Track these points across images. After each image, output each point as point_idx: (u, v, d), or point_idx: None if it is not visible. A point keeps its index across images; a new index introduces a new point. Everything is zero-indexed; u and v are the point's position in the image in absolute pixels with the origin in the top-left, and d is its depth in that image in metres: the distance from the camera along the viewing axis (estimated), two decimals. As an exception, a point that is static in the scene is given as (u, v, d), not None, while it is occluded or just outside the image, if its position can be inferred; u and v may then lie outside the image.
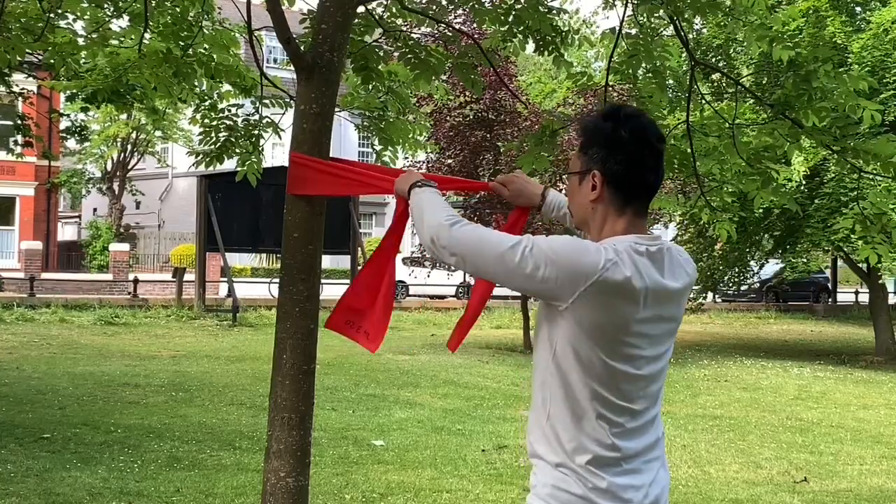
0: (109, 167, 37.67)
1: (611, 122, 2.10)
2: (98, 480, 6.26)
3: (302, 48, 3.55)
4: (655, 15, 4.78)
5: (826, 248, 19.21)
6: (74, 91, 6.23)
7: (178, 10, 5.28)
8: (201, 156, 4.89)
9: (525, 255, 1.96)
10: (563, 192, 2.49)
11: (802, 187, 16.23)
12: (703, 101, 5.41)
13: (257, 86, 5.53)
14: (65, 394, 9.90)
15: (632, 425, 2.06)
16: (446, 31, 5.73)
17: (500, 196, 2.83)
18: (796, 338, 23.15)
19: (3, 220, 31.71)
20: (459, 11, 13.04)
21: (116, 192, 37.52)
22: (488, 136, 16.88)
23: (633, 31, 4.72)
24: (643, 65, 4.60)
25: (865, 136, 7.05)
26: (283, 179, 3.40)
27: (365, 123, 5.28)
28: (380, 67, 4.75)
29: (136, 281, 22.43)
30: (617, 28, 4.68)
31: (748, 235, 18.05)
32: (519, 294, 18.88)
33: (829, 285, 36.48)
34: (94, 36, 5.69)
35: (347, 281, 23.57)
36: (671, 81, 5.43)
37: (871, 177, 5.08)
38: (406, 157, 18.55)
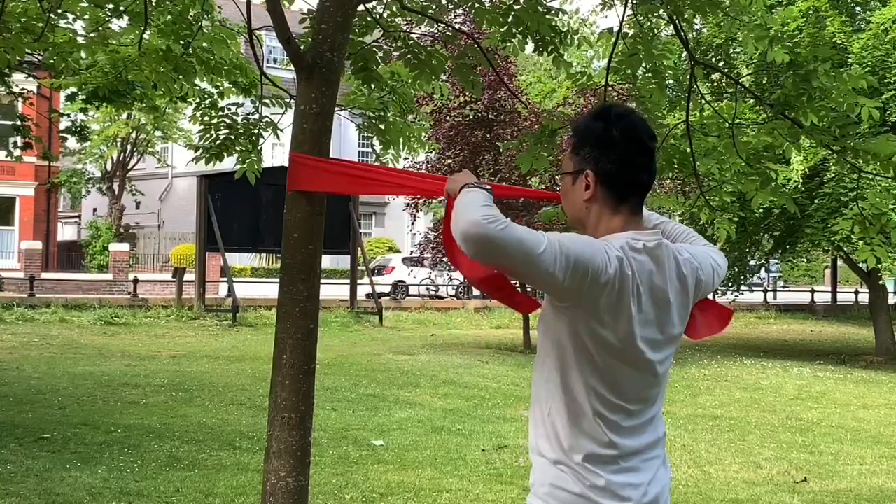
0: (109, 167, 37.67)
1: (602, 121, 2.10)
2: (98, 480, 6.26)
3: (302, 48, 3.55)
4: (655, 15, 4.78)
5: (826, 248, 19.21)
6: (74, 89, 6.23)
7: (178, 9, 5.28)
8: (201, 151, 4.89)
9: (552, 258, 1.93)
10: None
11: (802, 187, 16.23)
12: (703, 101, 5.41)
13: (257, 84, 5.53)
14: (65, 394, 9.90)
15: (628, 424, 2.06)
16: (446, 30, 5.73)
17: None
18: (796, 338, 23.14)
19: (3, 220, 31.71)
20: (459, 11, 13.05)
21: (116, 192, 37.52)
22: (488, 135, 16.88)
23: (633, 31, 4.72)
24: (643, 65, 4.60)
25: (865, 135, 7.06)
26: (283, 179, 3.41)
27: (365, 124, 5.29)
28: (380, 68, 4.75)
29: (135, 281, 22.42)
30: (616, 28, 4.68)
31: (748, 235, 18.06)
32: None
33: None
34: (93, 35, 5.69)
35: (347, 281, 23.59)
36: (671, 81, 5.43)
37: (870, 177, 5.08)
38: (406, 158, 18.56)
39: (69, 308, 19.11)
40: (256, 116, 4.97)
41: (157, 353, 14.31)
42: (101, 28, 5.66)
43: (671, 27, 4.83)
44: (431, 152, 17.73)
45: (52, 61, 6.10)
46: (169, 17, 5.29)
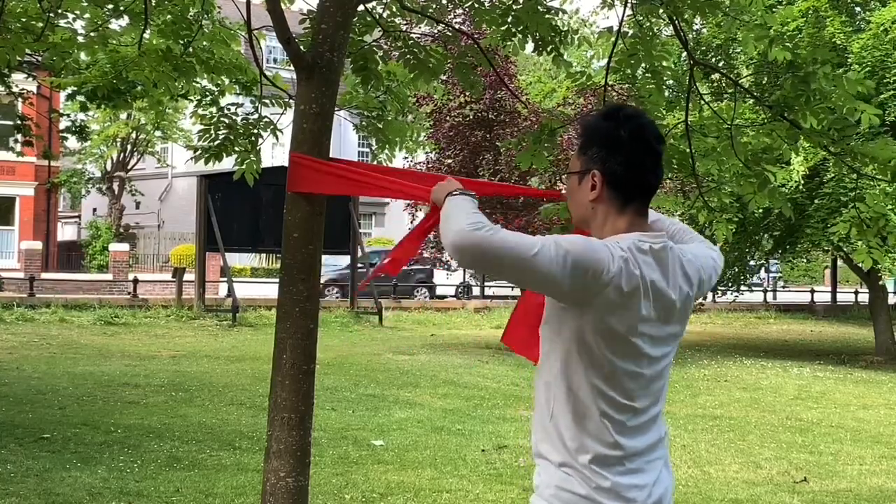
0: (109, 167, 37.67)
1: (611, 122, 2.11)
2: (98, 480, 6.26)
3: (302, 48, 3.55)
4: (655, 16, 4.78)
5: (826, 248, 19.21)
6: (74, 88, 6.23)
7: (177, 8, 5.28)
8: (200, 151, 4.89)
9: (547, 260, 1.94)
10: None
11: (802, 187, 16.22)
12: (703, 102, 5.41)
13: (257, 83, 5.53)
14: (65, 394, 9.90)
15: (633, 423, 2.06)
16: (446, 30, 5.73)
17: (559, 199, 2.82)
18: (796, 338, 23.14)
19: (3, 220, 31.70)
20: (459, 11, 13.05)
21: (116, 192, 37.51)
22: (488, 136, 16.89)
23: (632, 32, 4.72)
24: (642, 65, 4.60)
25: (865, 136, 7.05)
26: (283, 179, 3.41)
27: (363, 123, 5.29)
28: (379, 68, 4.75)
29: (135, 281, 22.41)
30: (616, 27, 4.68)
31: (748, 235, 18.05)
32: (518, 293, 18.87)
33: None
34: (93, 35, 5.69)
35: (347, 282, 23.60)
36: (670, 81, 5.43)
37: (869, 179, 5.07)
38: (406, 158, 18.57)
39: (69, 308, 19.11)
40: (256, 116, 4.97)
41: (157, 353, 14.31)
42: (100, 28, 5.66)
43: (671, 27, 4.83)
44: (431, 153, 17.74)
45: (52, 61, 6.10)
46: (169, 16, 5.29)
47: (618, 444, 2.03)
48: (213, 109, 5.10)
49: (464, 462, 7.47)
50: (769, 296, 34.10)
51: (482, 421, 9.54)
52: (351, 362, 13.81)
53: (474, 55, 4.99)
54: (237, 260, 32.50)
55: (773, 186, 4.59)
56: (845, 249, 17.50)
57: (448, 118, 17.25)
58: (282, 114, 5.01)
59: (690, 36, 7.37)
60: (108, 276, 25.19)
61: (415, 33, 5.33)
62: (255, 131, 4.90)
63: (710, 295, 21.32)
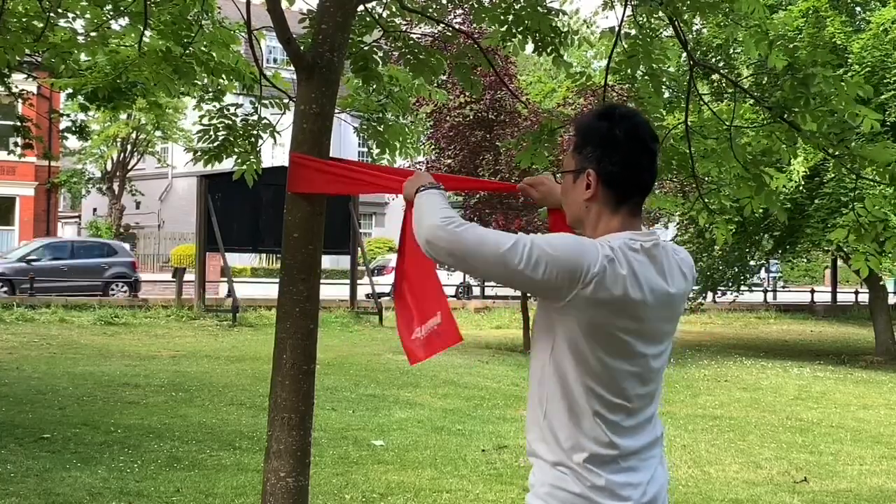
0: (109, 167, 37.68)
1: (606, 121, 2.11)
2: (98, 480, 6.26)
3: (302, 48, 3.55)
4: (655, 17, 4.78)
5: (826, 248, 19.21)
6: (75, 88, 6.23)
7: (177, 8, 5.28)
8: (199, 153, 4.89)
9: (523, 254, 1.97)
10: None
11: (801, 188, 16.22)
12: (702, 103, 5.41)
13: (257, 84, 5.53)
14: (65, 394, 9.90)
15: (628, 423, 2.06)
16: (446, 31, 5.74)
17: (528, 197, 2.81)
18: (796, 338, 23.14)
19: (3, 220, 31.71)
20: (459, 11, 13.05)
21: (116, 192, 37.53)
22: (488, 136, 16.88)
23: (633, 32, 4.72)
24: (641, 67, 4.60)
25: (865, 137, 7.04)
26: (283, 179, 3.41)
27: (364, 126, 5.29)
28: (379, 70, 4.75)
29: (136, 281, 22.41)
30: (616, 27, 4.68)
31: (748, 235, 18.05)
32: (519, 294, 18.89)
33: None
34: (93, 35, 5.69)
35: (347, 281, 23.57)
36: (671, 81, 5.43)
37: (869, 181, 5.07)
38: (406, 158, 18.54)
39: (69, 308, 19.11)
40: (255, 117, 4.97)
41: (157, 353, 14.31)
42: (100, 28, 5.66)
43: (671, 28, 4.83)
44: (430, 155, 17.74)
45: (51, 62, 6.10)
46: (168, 17, 5.29)
47: (612, 444, 2.03)
48: (215, 105, 5.10)
49: (464, 462, 7.48)
50: (769, 296, 34.11)
51: (482, 421, 9.54)
52: (351, 362, 13.81)
53: (474, 55, 4.99)
54: (237, 260, 32.49)
55: (769, 190, 4.58)
56: (845, 250, 17.52)
57: (448, 118, 17.24)
58: (282, 114, 5.01)
59: (690, 36, 7.36)
60: (109, 276, 25.18)
61: (415, 33, 5.33)
62: (255, 132, 4.90)
63: (710, 295, 21.30)
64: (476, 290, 29.37)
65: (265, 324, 18.68)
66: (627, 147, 2.08)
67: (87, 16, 5.74)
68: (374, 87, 4.85)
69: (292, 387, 3.33)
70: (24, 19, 5.64)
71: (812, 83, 4.31)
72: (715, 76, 12.86)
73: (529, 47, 4.86)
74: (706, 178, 4.97)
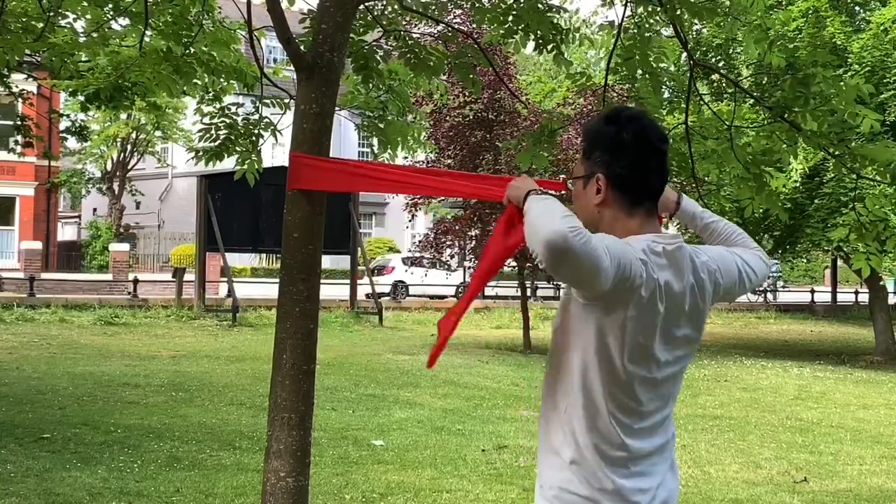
0: (109, 167, 37.66)
1: (613, 125, 2.10)
2: (98, 480, 6.26)
3: (302, 48, 3.55)
4: (654, 17, 4.77)
5: (826, 248, 19.21)
6: (76, 89, 6.23)
7: (177, 8, 5.28)
8: (200, 152, 4.89)
9: (610, 267, 1.92)
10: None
11: (801, 188, 16.22)
12: (702, 103, 5.40)
13: (258, 83, 5.53)
14: (65, 394, 9.90)
15: (640, 426, 2.06)
16: (446, 30, 5.73)
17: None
18: (796, 338, 23.14)
19: (3, 220, 31.71)
20: (458, 11, 13.04)
21: (116, 192, 37.51)
22: (488, 136, 16.88)
23: (631, 32, 4.71)
24: (639, 69, 4.60)
25: (865, 136, 7.04)
26: (283, 179, 3.41)
27: (365, 123, 5.29)
28: (380, 67, 4.75)
29: (135, 281, 22.42)
30: (617, 24, 4.67)
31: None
32: (519, 294, 18.89)
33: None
34: (94, 35, 5.69)
35: (347, 281, 23.57)
36: (670, 81, 5.43)
37: (869, 181, 5.06)
38: (405, 158, 18.55)
39: (69, 308, 19.11)
40: (256, 117, 4.97)
41: (157, 353, 14.31)
42: (101, 28, 5.66)
43: (671, 27, 4.83)
44: (431, 153, 17.74)
45: (51, 62, 6.10)
46: (169, 17, 5.29)
47: (624, 446, 2.03)
48: (216, 105, 5.10)
49: (464, 462, 7.47)
50: (769, 296, 34.10)
51: (482, 421, 9.54)
52: (351, 362, 13.81)
53: (473, 54, 4.99)
54: (237, 260, 32.48)
55: (770, 190, 4.57)
56: (845, 249, 17.52)
57: (448, 118, 17.25)
58: (282, 114, 5.01)
59: (690, 36, 7.36)
60: (108, 277, 25.19)
61: (415, 32, 5.33)
62: (256, 131, 4.90)
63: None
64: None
65: (265, 324, 18.68)
66: (635, 150, 2.07)
67: (88, 16, 5.74)
68: (374, 83, 4.85)
69: (292, 387, 3.33)
70: (23, 19, 5.64)
71: (812, 83, 4.31)
72: (715, 76, 12.87)
73: (530, 46, 4.86)
74: (705, 179, 4.97)
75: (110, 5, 5.51)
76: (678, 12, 4.41)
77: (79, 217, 44.16)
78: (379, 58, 4.69)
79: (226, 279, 21.77)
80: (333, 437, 8.13)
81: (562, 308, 2.11)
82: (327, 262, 29.91)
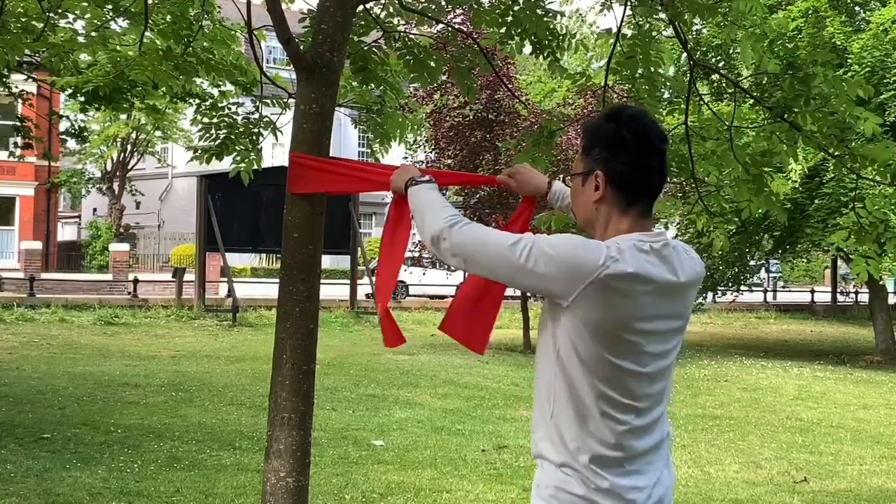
0: (109, 167, 37.67)
1: (613, 123, 2.11)
2: (98, 480, 6.26)
3: (302, 48, 3.55)
4: (655, 17, 4.77)
5: (826, 248, 19.21)
6: (75, 86, 6.23)
7: (177, 8, 5.28)
8: (200, 151, 4.89)
9: (526, 253, 1.98)
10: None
11: (801, 188, 16.22)
12: (702, 103, 5.40)
13: (257, 84, 5.53)
14: (65, 394, 9.90)
15: (637, 423, 2.05)
16: (445, 31, 5.74)
17: (507, 189, 2.82)
18: (796, 338, 23.14)
19: (3, 220, 31.72)
20: (458, 11, 13.05)
21: (116, 192, 37.52)
22: (488, 136, 16.89)
23: (631, 33, 4.71)
24: (639, 70, 4.59)
25: (864, 136, 7.04)
26: (283, 179, 3.41)
27: (362, 118, 5.29)
28: (378, 71, 4.75)
29: (135, 281, 22.43)
30: (615, 28, 4.67)
31: (748, 235, 18.05)
32: (519, 294, 18.87)
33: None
34: (94, 35, 5.70)
35: (347, 281, 23.59)
36: (668, 82, 5.42)
37: (869, 181, 5.05)
38: (405, 157, 18.58)
39: (69, 308, 19.12)
40: (256, 116, 4.96)
41: (157, 353, 14.32)
42: (101, 28, 5.66)
43: (671, 28, 4.83)
44: (431, 152, 17.75)
45: (51, 62, 6.11)
46: (169, 17, 5.29)
47: (619, 445, 2.02)
48: (213, 112, 5.10)
49: (464, 462, 7.48)
50: (769, 296, 34.12)
51: (482, 421, 9.55)
52: (351, 362, 13.81)
53: (473, 56, 4.98)
54: (237, 260, 32.49)
55: (769, 192, 4.57)
56: (845, 250, 17.52)
57: (448, 118, 17.26)
58: (281, 113, 5.01)
59: (690, 36, 7.36)
60: (108, 277, 25.19)
61: (414, 33, 5.33)
62: (256, 131, 4.90)
63: (709, 295, 21.30)
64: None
65: (265, 324, 18.69)
66: (635, 148, 2.08)
67: (87, 16, 5.74)
68: (371, 80, 4.84)
69: (292, 387, 3.33)
70: (23, 19, 5.64)
71: (812, 82, 4.31)
72: (715, 76, 12.87)
73: (528, 49, 4.86)
74: (705, 180, 4.97)
75: (110, 6, 5.51)
76: (679, 10, 4.41)
77: (79, 217, 44.17)
78: (378, 59, 4.68)
79: (226, 279, 21.77)
80: (333, 437, 8.14)
81: (543, 311, 2.12)
82: (327, 262, 29.93)
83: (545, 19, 4.52)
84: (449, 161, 17.18)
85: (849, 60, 16.08)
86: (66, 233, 42.92)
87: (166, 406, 9.47)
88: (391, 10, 4.93)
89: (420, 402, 10.56)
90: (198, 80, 5.63)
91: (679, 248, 2.13)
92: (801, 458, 8.33)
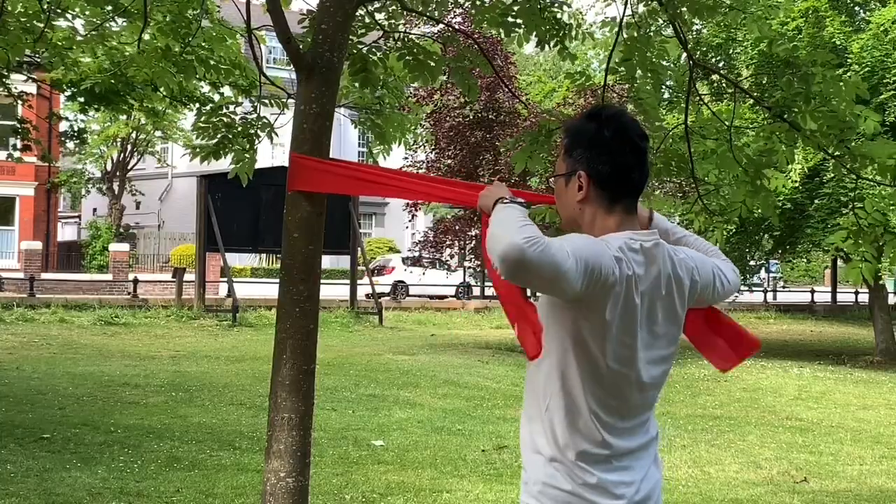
0: (109, 167, 37.67)
1: (594, 123, 2.12)
2: (98, 480, 6.26)
3: (302, 48, 3.55)
4: (655, 17, 4.77)
5: (826, 248, 19.19)
6: (73, 81, 6.22)
7: (176, 6, 5.28)
8: (198, 150, 4.89)
9: (575, 271, 1.92)
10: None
11: (801, 187, 16.22)
12: (702, 103, 5.40)
13: (257, 86, 5.53)
14: (65, 394, 9.90)
15: (623, 425, 2.07)
16: (445, 31, 5.73)
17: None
18: (796, 338, 23.14)
19: (3, 220, 31.70)
20: (458, 11, 13.05)
21: (116, 192, 37.51)
22: (488, 136, 16.90)
23: (630, 33, 4.71)
24: (638, 70, 4.59)
25: (864, 136, 7.04)
26: (283, 180, 3.41)
27: (362, 118, 5.29)
28: (377, 70, 4.75)
29: (135, 281, 22.43)
30: (617, 25, 4.67)
31: (748, 235, 18.05)
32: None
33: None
34: (93, 34, 5.70)
35: (347, 281, 23.57)
36: (669, 82, 5.43)
37: (869, 181, 5.05)
38: (405, 158, 18.58)
39: (69, 308, 19.11)
40: (254, 116, 4.96)
41: (157, 353, 14.31)
42: (100, 27, 5.66)
43: (671, 27, 4.83)
44: (431, 152, 17.76)
45: (50, 62, 6.11)
46: (168, 16, 5.29)
47: (606, 443, 2.04)
48: (213, 115, 5.10)
49: (464, 462, 7.48)
50: (769, 296, 34.11)
51: (482, 421, 9.54)
52: (351, 362, 13.81)
53: (472, 57, 4.99)
54: (237, 260, 32.50)
55: (765, 193, 4.56)
56: (845, 249, 17.51)
57: (448, 118, 17.26)
58: (279, 114, 5.01)
59: (690, 36, 7.36)
60: (108, 277, 25.19)
61: (414, 33, 5.33)
62: (253, 131, 4.89)
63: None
64: (476, 290, 29.35)
65: (265, 324, 18.68)
66: (616, 147, 2.09)
67: (87, 14, 5.74)
68: (369, 80, 4.84)
69: (292, 387, 3.33)
70: (23, 19, 5.64)
71: (812, 81, 4.31)
72: (715, 76, 12.87)
73: (530, 46, 4.86)
74: (704, 179, 4.97)
75: (110, 7, 5.51)
76: (679, 10, 4.41)
77: (79, 217, 44.17)
78: (378, 60, 4.68)
79: (226, 279, 21.77)
80: (333, 437, 8.14)
81: (541, 309, 2.12)
82: (327, 262, 29.93)
83: (550, 10, 4.51)
84: (449, 161, 17.19)
85: (849, 60, 16.08)
86: (66, 233, 42.91)
87: (166, 406, 9.46)
88: (391, 10, 4.93)
89: (420, 403, 10.56)
90: (197, 83, 5.62)
91: (669, 249, 2.12)
92: (801, 459, 8.33)
